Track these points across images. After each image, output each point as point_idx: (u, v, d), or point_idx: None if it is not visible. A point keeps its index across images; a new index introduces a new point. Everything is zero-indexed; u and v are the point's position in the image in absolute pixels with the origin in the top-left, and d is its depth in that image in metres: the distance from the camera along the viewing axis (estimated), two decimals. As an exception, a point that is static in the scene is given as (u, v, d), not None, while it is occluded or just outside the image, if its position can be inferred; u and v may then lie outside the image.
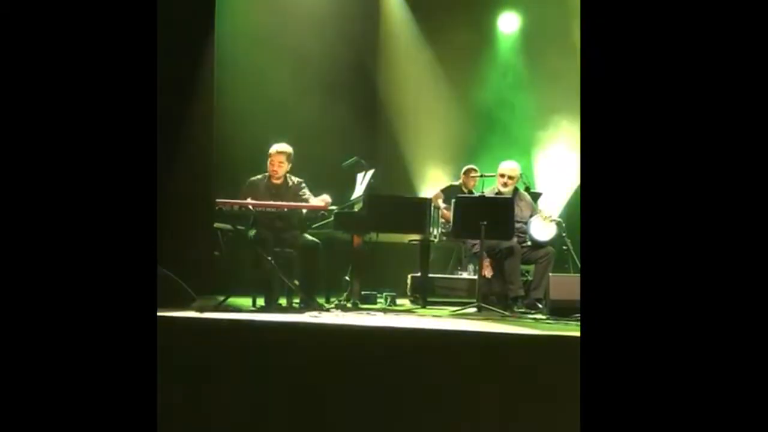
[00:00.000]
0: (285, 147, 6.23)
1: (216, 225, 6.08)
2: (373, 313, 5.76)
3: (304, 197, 6.23)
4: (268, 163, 6.22)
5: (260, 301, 5.95)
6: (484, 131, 9.64)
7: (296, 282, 5.91)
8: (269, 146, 6.28)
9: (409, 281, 7.46)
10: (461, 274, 7.63)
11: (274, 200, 6.02)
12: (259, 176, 6.29)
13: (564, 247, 6.82)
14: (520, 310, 6.36)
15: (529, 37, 9.72)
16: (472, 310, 6.07)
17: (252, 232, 5.96)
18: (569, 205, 9.01)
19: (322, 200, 6.07)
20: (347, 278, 6.83)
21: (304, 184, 6.33)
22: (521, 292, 6.49)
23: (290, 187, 6.28)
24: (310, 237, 6.19)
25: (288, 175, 6.29)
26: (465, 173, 8.03)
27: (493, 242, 6.39)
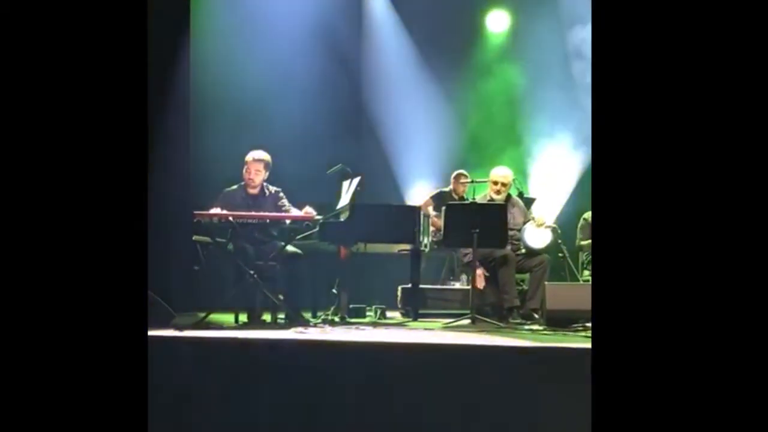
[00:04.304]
0: (263, 155, 6.07)
1: (195, 238, 5.91)
2: (362, 327, 5.64)
3: (283, 208, 6.06)
4: (244, 171, 6.05)
5: (243, 317, 5.85)
6: (474, 135, 9.45)
7: (280, 296, 5.82)
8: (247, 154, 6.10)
9: (399, 293, 7.33)
10: (454, 285, 7.62)
11: (252, 211, 5.86)
12: (234, 186, 6.12)
13: (560, 255, 6.72)
14: (516, 321, 6.28)
15: (518, 36, 9.52)
16: (466, 321, 5.98)
17: (231, 245, 5.73)
18: (565, 210, 8.79)
19: (305, 212, 5.84)
20: (334, 291, 6.70)
21: (282, 194, 6.15)
22: (516, 302, 6.41)
23: (267, 197, 6.11)
24: (293, 248, 5.95)
25: (265, 184, 6.13)
26: (455, 179, 7.87)
27: (486, 251, 6.32)
